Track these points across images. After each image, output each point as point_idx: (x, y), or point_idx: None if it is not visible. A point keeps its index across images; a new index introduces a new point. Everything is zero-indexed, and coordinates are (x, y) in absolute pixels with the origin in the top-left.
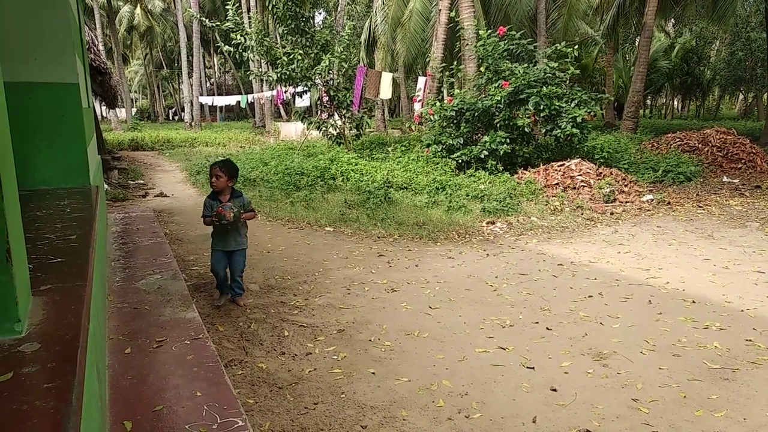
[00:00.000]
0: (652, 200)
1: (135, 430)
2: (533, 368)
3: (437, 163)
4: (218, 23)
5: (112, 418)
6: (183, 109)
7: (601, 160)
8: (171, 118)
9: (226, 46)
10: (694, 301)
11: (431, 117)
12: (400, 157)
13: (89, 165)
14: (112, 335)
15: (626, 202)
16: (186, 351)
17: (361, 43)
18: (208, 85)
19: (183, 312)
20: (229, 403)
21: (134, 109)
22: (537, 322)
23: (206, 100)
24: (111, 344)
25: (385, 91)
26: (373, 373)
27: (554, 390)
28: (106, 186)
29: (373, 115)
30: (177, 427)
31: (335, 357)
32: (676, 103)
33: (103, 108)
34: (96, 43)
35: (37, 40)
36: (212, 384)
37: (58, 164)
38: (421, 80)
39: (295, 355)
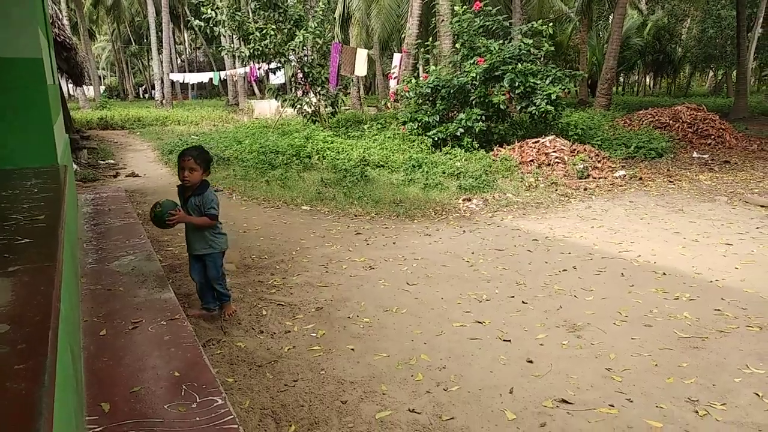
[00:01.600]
0: (625, 176)
1: (113, 412)
2: (509, 341)
3: (413, 141)
4: None
5: (89, 400)
6: (153, 87)
7: (575, 137)
8: (141, 96)
9: (197, 21)
10: (664, 273)
11: (407, 94)
12: (376, 134)
13: (56, 144)
14: (86, 317)
15: (599, 177)
16: (163, 331)
17: (335, 18)
18: (179, 61)
19: (158, 293)
20: (208, 382)
21: (102, 87)
22: (513, 296)
23: (177, 77)
24: (86, 326)
25: (361, 68)
26: (352, 349)
27: (530, 362)
28: (75, 166)
29: (349, 93)
30: (156, 407)
31: (314, 334)
32: (648, 80)
33: (70, 86)
34: (60, 17)
35: None
36: (190, 364)
37: (24, 143)
38: (397, 57)
39: (274, 333)
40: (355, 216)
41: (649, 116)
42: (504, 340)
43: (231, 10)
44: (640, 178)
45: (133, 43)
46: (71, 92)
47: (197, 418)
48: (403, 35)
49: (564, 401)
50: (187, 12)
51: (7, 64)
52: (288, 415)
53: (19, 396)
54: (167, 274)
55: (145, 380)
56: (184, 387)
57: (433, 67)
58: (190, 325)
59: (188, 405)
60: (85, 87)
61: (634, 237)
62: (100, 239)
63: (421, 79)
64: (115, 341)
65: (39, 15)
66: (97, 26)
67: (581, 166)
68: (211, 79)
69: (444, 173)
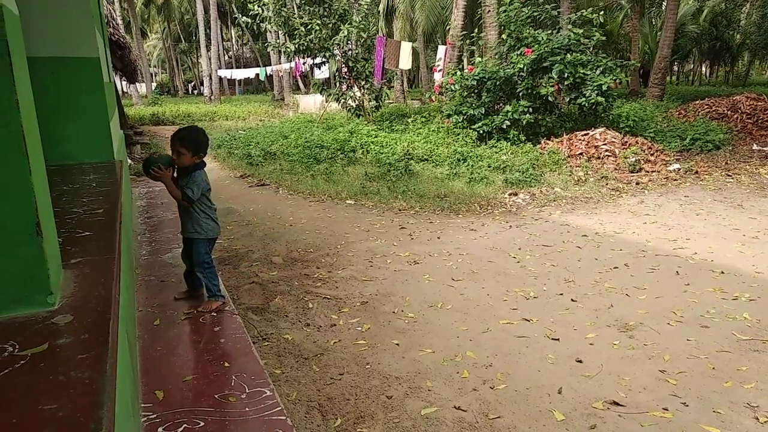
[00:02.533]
0: (679, 169)
1: (166, 399)
2: (558, 339)
3: (458, 134)
4: None
5: (144, 387)
6: (202, 83)
7: (627, 129)
8: (190, 92)
9: (244, 18)
10: (722, 272)
11: (452, 87)
12: (420, 128)
13: (112, 139)
14: (141, 307)
15: (652, 171)
16: (213, 322)
17: (379, 12)
18: (227, 58)
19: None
20: (257, 374)
21: (154, 84)
22: (561, 294)
23: (225, 73)
24: (140, 316)
25: (405, 61)
26: (397, 344)
27: (579, 361)
28: (129, 161)
29: (392, 86)
30: (207, 396)
31: (359, 328)
32: (704, 69)
33: (124, 83)
34: (114, 17)
35: (58, 15)
36: (240, 355)
37: (82, 139)
38: (441, 49)
39: (320, 326)
40: (400, 210)
41: (706, 107)
42: (552, 339)
43: (277, 6)
44: (696, 172)
45: (183, 41)
46: (125, 89)
47: (246, 409)
48: (447, 27)
49: (615, 403)
50: (235, 9)
51: (67, 63)
52: (334, 408)
53: (83, 384)
54: (217, 267)
55: (196, 369)
56: (233, 377)
57: (478, 59)
58: (239, 317)
59: (238, 395)
60: (137, 84)
61: (690, 233)
62: (153, 231)
63: (466, 71)
64: (168, 331)
65: (95, 16)
66: (148, 25)
67: (633, 159)
68: (257, 74)
69: (489, 167)
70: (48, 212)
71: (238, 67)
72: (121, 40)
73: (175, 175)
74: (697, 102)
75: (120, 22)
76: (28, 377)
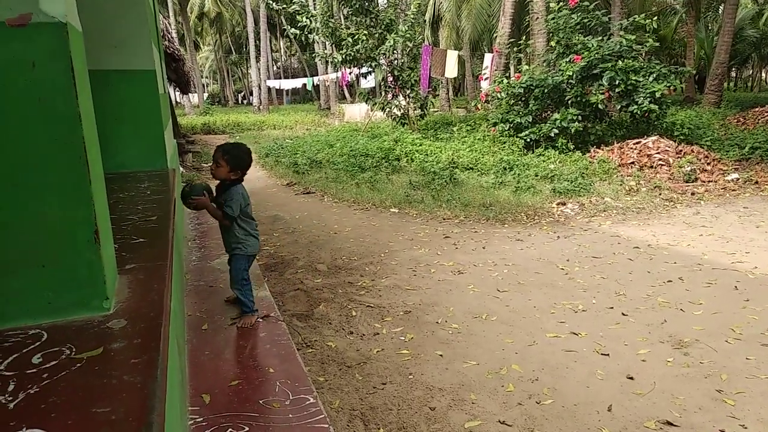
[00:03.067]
0: (738, 179)
1: (213, 403)
2: (608, 355)
3: (504, 143)
4: (284, 5)
5: (192, 391)
6: (251, 93)
7: (681, 137)
8: (240, 102)
9: (292, 29)
10: None
11: (498, 95)
12: (466, 136)
13: (166, 149)
14: (190, 312)
15: (709, 181)
16: (259, 328)
17: (425, 21)
18: (275, 68)
19: (255, 290)
20: (301, 380)
21: (206, 94)
22: (612, 308)
23: (273, 83)
24: (189, 320)
25: (451, 70)
26: (441, 355)
27: (631, 378)
28: (181, 169)
29: (438, 95)
30: (251, 401)
31: (402, 338)
32: (763, 74)
33: (177, 93)
34: (169, 30)
35: (116, 29)
36: (284, 361)
37: (138, 148)
38: (488, 57)
39: (363, 335)
40: (444, 219)
41: (766, 114)
42: (602, 354)
43: (325, 18)
44: (756, 182)
45: (234, 52)
46: (178, 100)
47: (290, 415)
48: (494, 35)
49: (668, 423)
50: (283, 21)
51: (125, 75)
52: (376, 417)
53: (135, 389)
54: (263, 273)
55: (242, 374)
56: (278, 383)
57: (525, 67)
58: (284, 324)
59: (282, 401)
60: (190, 95)
61: (749, 246)
62: (202, 238)
63: (513, 79)
64: (216, 336)
65: (152, 30)
66: (201, 37)
67: (688, 169)
68: (304, 84)
69: (537, 176)
70: (106, 220)
71: (286, 78)
72: (176, 52)
73: (214, 194)
74: (757, 109)
75: (175, 35)
76: (83, 380)
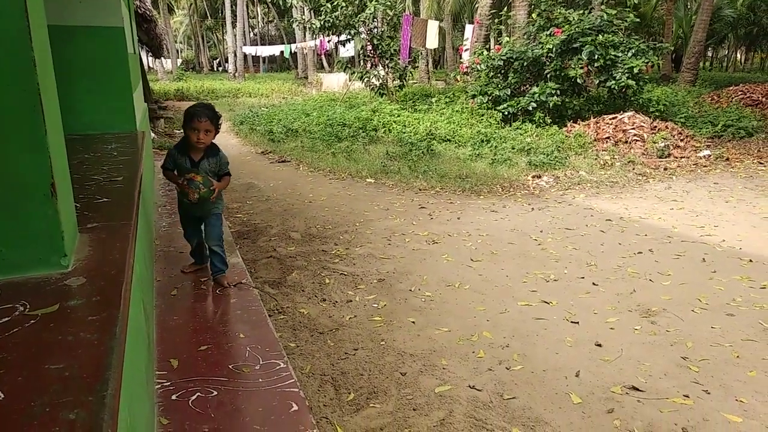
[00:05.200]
0: (710, 156)
1: (181, 367)
2: (577, 323)
3: (482, 115)
4: None
5: (160, 355)
6: (227, 60)
7: (656, 114)
8: (215, 69)
9: None
10: (751, 260)
11: (478, 67)
12: (444, 108)
13: (135, 111)
14: (159, 277)
15: (681, 157)
16: (230, 294)
17: None
18: (252, 35)
19: (227, 257)
20: (272, 346)
21: (179, 60)
22: (582, 278)
23: (250, 50)
24: (158, 286)
25: (432, 41)
26: (413, 322)
27: (599, 345)
28: (153, 134)
29: (417, 66)
30: (221, 366)
31: (375, 305)
32: (739, 55)
33: (150, 58)
34: None
35: None
36: (255, 327)
37: (105, 109)
38: (469, 28)
39: (336, 302)
40: (420, 190)
41: (740, 93)
42: (572, 322)
43: None
44: (727, 159)
45: (209, 17)
46: (150, 65)
47: (260, 380)
48: (475, 6)
49: (634, 388)
50: None
51: (91, 33)
52: (347, 382)
53: (91, 346)
54: (235, 240)
55: (212, 340)
56: (248, 349)
57: (506, 39)
58: (256, 290)
59: (252, 366)
60: (163, 60)
61: (718, 220)
62: (173, 204)
63: (493, 51)
64: (185, 301)
65: None
66: (175, 0)
67: (662, 145)
68: (282, 52)
69: (513, 149)
70: (64, 175)
71: (263, 45)
72: (147, 12)
73: (188, 165)
74: (731, 88)
75: None
76: (36, 337)
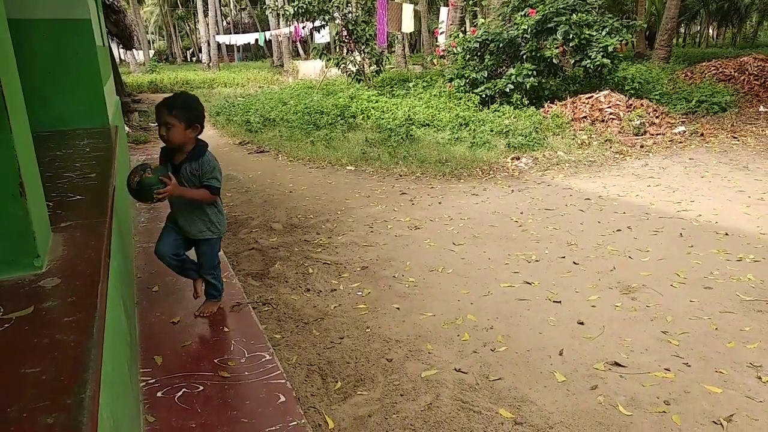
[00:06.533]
0: (685, 132)
1: (166, 364)
2: (560, 302)
3: (460, 99)
4: None
5: (144, 353)
6: (200, 50)
7: (632, 92)
8: (189, 59)
9: None
10: (727, 234)
11: (454, 50)
12: (422, 93)
13: (107, 105)
14: (139, 274)
15: (657, 134)
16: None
17: None
18: (225, 23)
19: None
20: (257, 338)
21: (152, 51)
22: (563, 257)
23: (223, 39)
24: (139, 282)
25: (408, 24)
26: (398, 308)
27: (581, 323)
28: (127, 128)
29: (394, 51)
30: (206, 361)
31: (359, 293)
32: (711, 30)
33: (120, 50)
34: None
35: None
36: (239, 320)
37: (75, 104)
38: (444, 11)
39: (320, 291)
40: (400, 176)
41: (713, 68)
42: (554, 302)
43: None
44: (702, 134)
45: (180, 6)
46: (122, 57)
47: (246, 373)
48: None
49: (616, 364)
50: None
51: (57, 25)
52: (334, 371)
53: (68, 347)
54: None
55: (196, 335)
56: (233, 342)
57: (481, 20)
58: (239, 283)
59: (237, 360)
60: (135, 51)
61: (694, 196)
62: None
63: (469, 33)
64: (167, 297)
65: None
66: None
67: (638, 122)
68: (256, 40)
69: (492, 131)
70: (33, 173)
71: (236, 33)
72: (116, 3)
73: (170, 168)
74: (704, 64)
75: None
76: (11, 341)
